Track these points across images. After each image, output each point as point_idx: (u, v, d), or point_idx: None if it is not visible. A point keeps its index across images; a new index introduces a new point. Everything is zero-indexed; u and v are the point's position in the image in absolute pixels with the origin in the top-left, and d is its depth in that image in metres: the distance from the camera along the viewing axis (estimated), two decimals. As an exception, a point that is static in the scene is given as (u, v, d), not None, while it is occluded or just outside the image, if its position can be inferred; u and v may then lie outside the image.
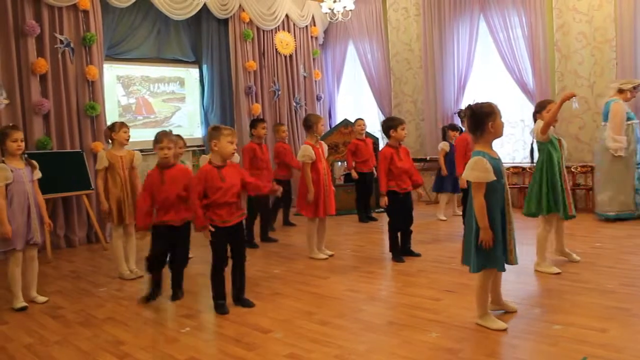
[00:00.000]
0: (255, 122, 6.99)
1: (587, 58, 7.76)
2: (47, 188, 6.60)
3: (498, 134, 3.40)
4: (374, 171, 8.13)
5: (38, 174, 4.67)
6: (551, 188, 4.56)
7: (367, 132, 8.74)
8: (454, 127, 7.89)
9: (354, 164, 8.00)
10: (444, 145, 7.70)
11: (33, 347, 3.67)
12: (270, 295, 4.53)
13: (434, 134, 9.46)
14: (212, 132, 4.12)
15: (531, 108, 8.23)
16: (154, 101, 9.36)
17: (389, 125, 5.46)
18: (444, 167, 7.62)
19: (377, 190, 8.87)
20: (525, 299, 4.02)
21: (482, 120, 3.35)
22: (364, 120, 8.24)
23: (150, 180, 4.50)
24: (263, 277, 5.13)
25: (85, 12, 7.51)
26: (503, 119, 3.44)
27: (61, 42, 7.28)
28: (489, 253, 3.35)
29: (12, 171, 4.39)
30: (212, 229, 4.03)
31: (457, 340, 3.32)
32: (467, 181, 3.42)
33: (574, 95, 4.47)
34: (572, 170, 7.64)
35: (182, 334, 3.73)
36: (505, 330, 3.40)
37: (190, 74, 9.89)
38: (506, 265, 3.48)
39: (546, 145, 4.59)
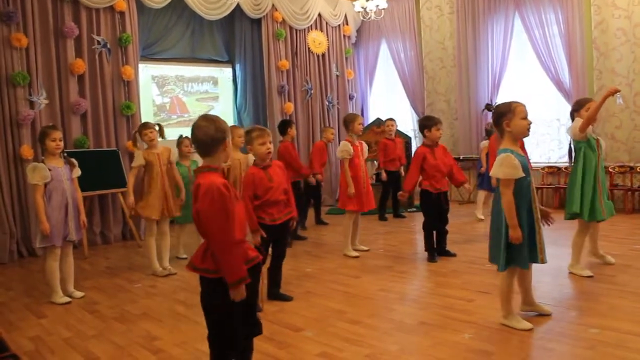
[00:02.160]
0: (290, 123, 7.13)
1: (626, 55, 7.56)
2: (84, 186, 6.71)
3: (518, 133, 3.36)
4: (401, 170, 8.17)
5: (77, 172, 4.77)
6: (588, 190, 4.38)
7: (399, 132, 8.72)
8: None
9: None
10: (487, 143, 7.54)
11: (71, 340, 3.75)
12: (302, 293, 4.54)
13: (468, 133, 9.36)
14: (246, 137, 4.17)
15: (567, 107, 8.09)
16: (187, 100, 9.50)
17: (424, 124, 5.45)
18: (485, 164, 7.46)
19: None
20: (562, 301, 3.95)
21: (498, 119, 3.38)
22: (394, 121, 8.28)
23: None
24: (295, 276, 5.15)
25: (122, 14, 7.65)
26: (530, 118, 3.39)
27: (98, 43, 7.43)
28: (515, 251, 3.33)
29: (50, 170, 4.50)
30: (264, 234, 4.03)
31: (490, 342, 3.28)
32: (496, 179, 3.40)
33: (617, 91, 4.27)
34: (610, 170, 7.47)
35: (215, 331, 3.76)
36: (530, 330, 3.36)
37: (224, 74, 9.99)
38: (542, 267, 3.46)
39: (583, 145, 4.42)
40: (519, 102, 3.38)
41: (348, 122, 5.83)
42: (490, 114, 8.84)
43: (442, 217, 5.52)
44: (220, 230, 2.38)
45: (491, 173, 3.39)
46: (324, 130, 8.38)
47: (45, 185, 4.49)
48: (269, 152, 4.06)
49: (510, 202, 3.26)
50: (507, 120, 3.33)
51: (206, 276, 2.48)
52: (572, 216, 4.51)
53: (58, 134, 4.61)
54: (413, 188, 5.49)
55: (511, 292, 3.49)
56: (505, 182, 3.28)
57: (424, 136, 5.44)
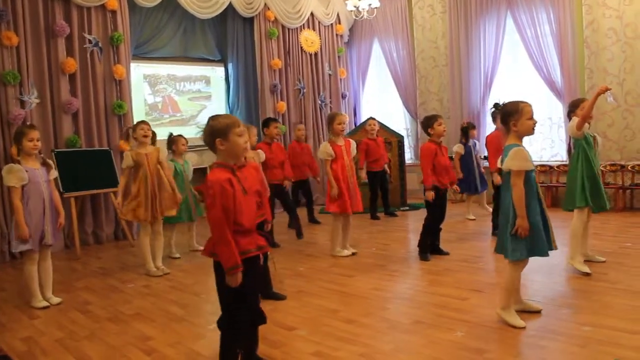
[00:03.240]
0: (268, 122, 7.01)
1: (617, 55, 7.61)
2: (76, 185, 6.76)
3: (523, 132, 3.46)
4: (386, 169, 8.18)
5: (54, 174, 4.64)
6: (591, 181, 4.54)
7: (392, 131, 8.74)
8: (474, 126, 7.86)
9: (365, 163, 7.98)
10: (459, 148, 7.55)
11: (64, 341, 3.74)
12: (296, 293, 4.54)
13: (460, 133, 9.38)
14: None
15: (559, 106, 8.17)
16: (179, 100, 9.46)
17: (427, 123, 5.45)
18: (459, 169, 7.49)
19: (403, 186, 9.01)
20: (554, 299, 3.97)
21: (506, 118, 3.49)
22: (376, 120, 8.32)
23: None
24: (288, 275, 5.14)
25: (113, 12, 7.62)
26: (535, 118, 3.48)
27: (90, 41, 7.40)
28: (531, 242, 3.40)
29: (27, 172, 4.35)
30: None
31: (483, 340, 3.29)
32: (504, 174, 3.49)
33: (608, 89, 4.44)
34: (602, 169, 7.49)
35: (209, 331, 3.74)
36: (523, 328, 3.38)
37: (216, 73, 9.96)
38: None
39: (581, 142, 4.57)
40: (526, 103, 3.47)
41: (328, 122, 5.76)
42: (486, 113, 8.94)
43: (442, 214, 5.54)
44: (217, 222, 2.61)
45: (504, 166, 3.45)
46: (294, 129, 8.10)
47: (22, 187, 4.34)
48: (245, 148, 4.01)
49: (522, 193, 3.37)
50: (514, 120, 3.43)
51: (217, 260, 2.70)
52: (571, 208, 4.66)
53: (36, 134, 4.44)
54: (432, 184, 5.36)
55: (518, 285, 3.54)
56: (517, 173, 3.38)
57: (429, 134, 5.44)
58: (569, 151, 4.83)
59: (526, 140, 3.57)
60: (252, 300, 2.87)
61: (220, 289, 2.77)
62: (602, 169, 7.48)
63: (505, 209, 3.47)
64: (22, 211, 4.31)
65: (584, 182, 4.53)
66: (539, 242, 3.42)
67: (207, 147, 2.84)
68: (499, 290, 3.60)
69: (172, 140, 6.30)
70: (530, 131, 3.46)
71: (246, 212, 2.74)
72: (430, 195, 5.32)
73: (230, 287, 2.66)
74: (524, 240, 3.39)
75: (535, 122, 3.47)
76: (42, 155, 4.67)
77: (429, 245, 5.50)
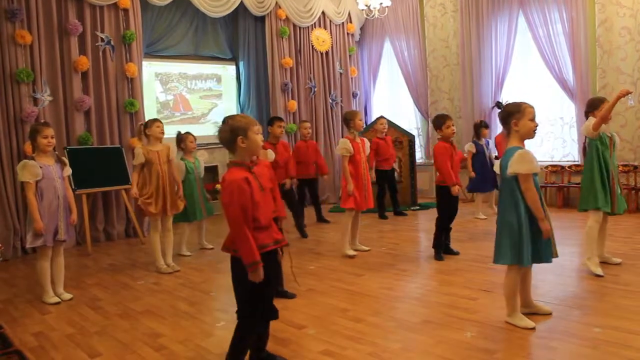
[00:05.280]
0: (272, 121, 7.00)
1: (631, 54, 7.54)
2: (87, 182, 6.80)
3: (524, 134, 3.39)
4: (396, 167, 8.25)
5: (68, 171, 4.69)
6: (602, 183, 4.48)
7: (403, 130, 8.74)
8: (487, 125, 7.78)
9: (374, 162, 7.97)
10: (470, 147, 7.51)
11: (74, 336, 3.77)
12: (305, 291, 4.54)
13: (471, 132, 9.33)
14: None
15: (571, 105, 8.11)
16: (191, 98, 9.51)
17: (435, 124, 5.48)
18: (471, 168, 7.46)
19: (413, 186, 9.00)
20: (565, 300, 3.94)
21: (507, 118, 3.43)
22: (386, 119, 8.31)
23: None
24: (297, 273, 5.10)
25: (125, 11, 7.67)
26: (536, 120, 3.42)
27: (102, 40, 7.45)
28: (515, 249, 3.33)
29: (41, 167, 4.41)
30: None
31: (493, 340, 3.27)
32: (512, 176, 3.36)
33: (629, 93, 4.41)
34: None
35: (217, 328, 3.77)
36: (533, 329, 3.36)
37: (227, 71, 10.00)
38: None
39: (595, 142, 4.51)
40: (528, 104, 3.42)
41: (349, 119, 5.73)
42: (493, 112, 8.88)
43: (454, 213, 5.52)
44: (236, 220, 2.65)
45: (511, 170, 3.34)
46: (299, 127, 7.98)
47: (36, 183, 4.39)
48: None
49: (536, 196, 3.31)
50: (515, 120, 3.37)
51: (235, 255, 2.77)
52: (587, 209, 4.58)
53: (50, 131, 4.50)
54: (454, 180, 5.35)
55: (515, 290, 3.48)
56: (526, 177, 3.31)
57: (439, 135, 5.47)
58: (583, 151, 4.73)
59: (537, 141, 3.52)
60: (268, 293, 2.89)
61: (237, 282, 2.82)
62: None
63: (503, 214, 3.42)
64: (36, 206, 4.35)
65: (599, 182, 4.47)
66: (522, 249, 3.33)
67: (218, 145, 2.85)
68: (504, 297, 3.56)
69: (181, 138, 6.23)
70: (531, 134, 3.40)
71: (263, 208, 2.79)
72: (457, 189, 5.30)
73: (250, 281, 2.70)
74: (508, 246, 3.34)
75: (537, 125, 3.40)
76: (56, 152, 4.71)
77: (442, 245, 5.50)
